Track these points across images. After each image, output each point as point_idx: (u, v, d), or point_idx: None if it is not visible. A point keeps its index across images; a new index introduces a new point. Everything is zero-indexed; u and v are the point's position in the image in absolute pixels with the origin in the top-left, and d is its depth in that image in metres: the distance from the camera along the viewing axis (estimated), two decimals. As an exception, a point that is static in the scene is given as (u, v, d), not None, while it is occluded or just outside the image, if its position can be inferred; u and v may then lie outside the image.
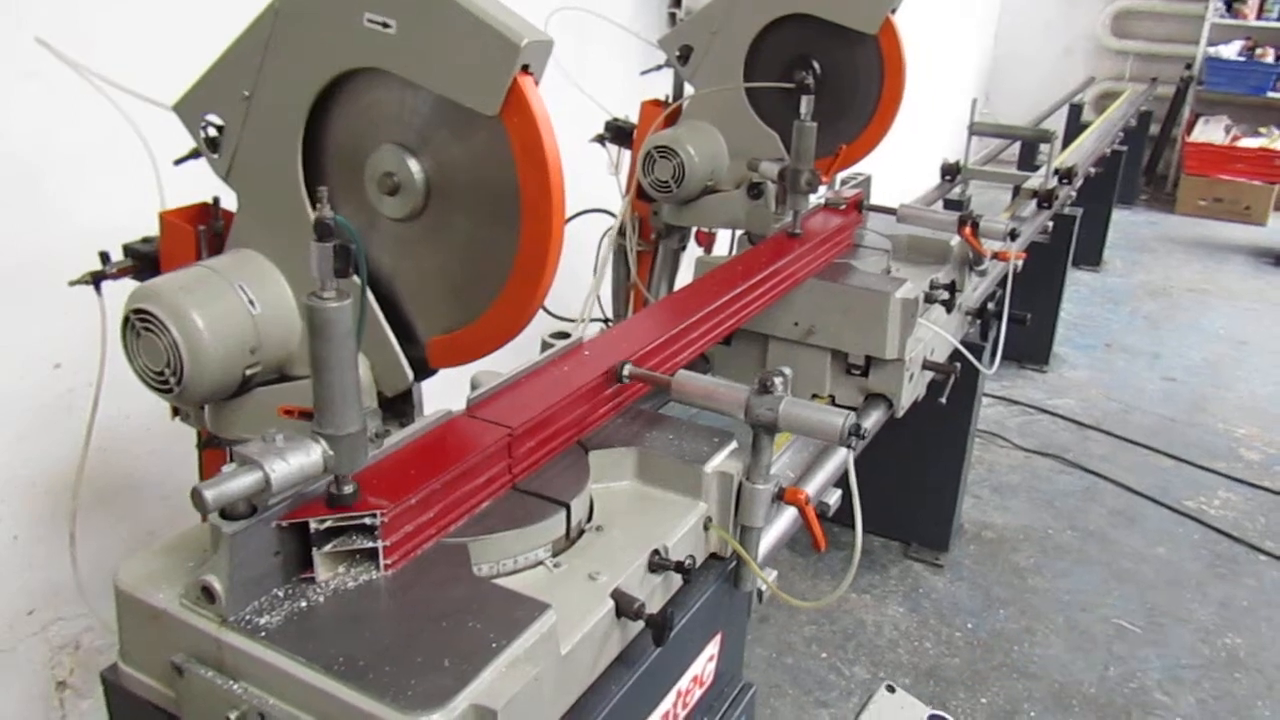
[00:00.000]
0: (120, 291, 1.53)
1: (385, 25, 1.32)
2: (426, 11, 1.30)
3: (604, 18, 2.96)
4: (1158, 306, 6.37)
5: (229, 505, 1.14)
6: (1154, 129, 8.72)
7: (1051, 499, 4.07)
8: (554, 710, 1.21)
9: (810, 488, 1.97)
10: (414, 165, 1.42)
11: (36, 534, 2.20)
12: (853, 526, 1.53)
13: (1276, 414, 4.92)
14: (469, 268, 1.45)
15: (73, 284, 1.63)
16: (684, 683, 1.50)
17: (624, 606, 1.29)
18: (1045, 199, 4.00)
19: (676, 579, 1.44)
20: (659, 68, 2.96)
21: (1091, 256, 6.84)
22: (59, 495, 2.19)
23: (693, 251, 2.92)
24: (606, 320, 2.95)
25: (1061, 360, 5.43)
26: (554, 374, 1.62)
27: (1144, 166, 8.95)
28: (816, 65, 2.68)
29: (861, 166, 2.86)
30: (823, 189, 2.60)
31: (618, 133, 2.93)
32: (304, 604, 1.19)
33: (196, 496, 1.09)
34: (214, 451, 1.75)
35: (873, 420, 2.31)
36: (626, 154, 2.91)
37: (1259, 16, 8.75)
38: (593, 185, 2.75)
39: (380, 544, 1.22)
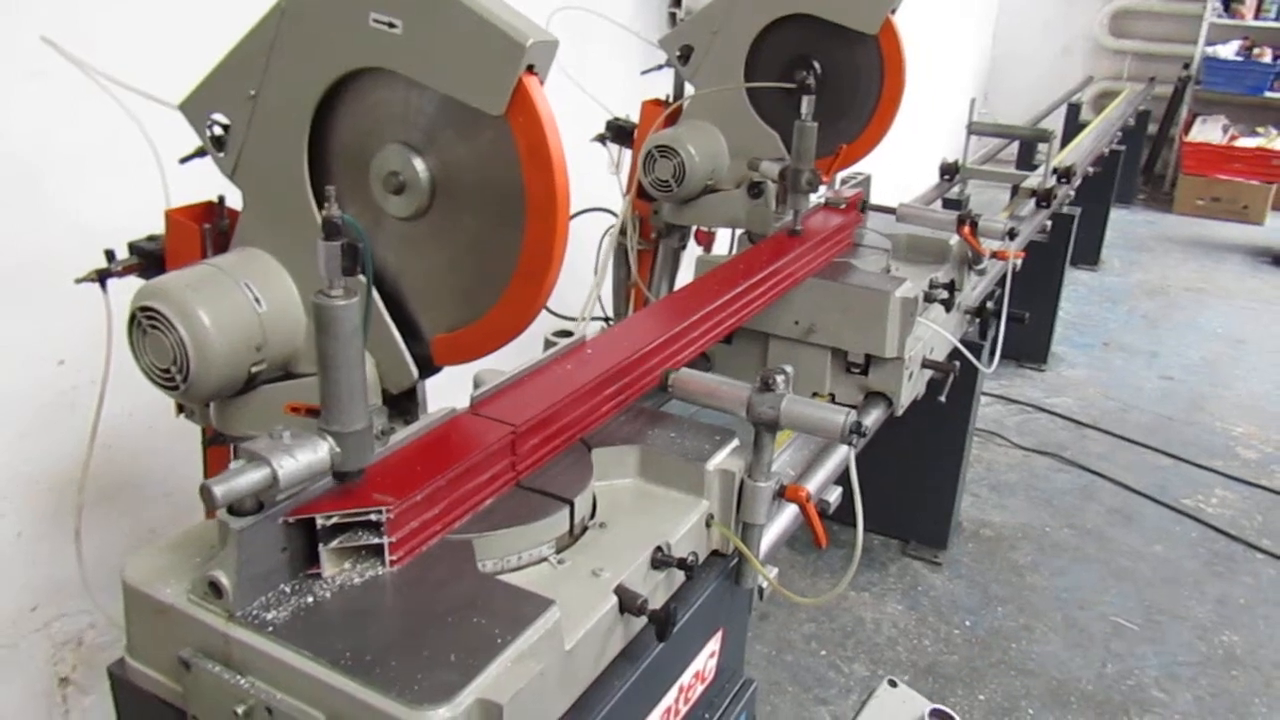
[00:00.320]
0: (125, 289, 1.54)
1: (391, 25, 1.33)
2: (432, 11, 1.31)
3: (605, 17, 2.97)
4: (1155, 305, 6.38)
5: (237, 501, 1.15)
6: (1152, 128, 8.74)
7: (1050, 497, 4.09)
8: (558, 705, 1.22)
9: (811, 485, 1.99)
10: (419, 164, 1.43)
11: (39, 531, 2.21)
12: (852, 524, 1.54)
13: (1274, 412, 4.93)
14: (473, 266, 1.46)
15: (79, 281, 1.63)
16: (686, 678, 1.51)
17: (627, 602, 1.30)
18: (1044, 198, 4.01)
19: (679, 575, 1.45)
20: (660, 67, 2.97)
21: (1090, 256, 6.86)
22: (62, 492, 2.20)
23: (693, 250, 2.93)
24: (607, 319, 2.96)
25: (1060, 359, 5.44)
26: (557, 372, 1.63)
27: (1142, 166, 8.97)
28: (817, 65, 2.69)
29: (861, 166, 2.87)
30: (823, 188, 2.61)
31: (618, 132, 2.94)
32: (310, 599, 1.20)
33: (205, 492, 1.10)
34: (218, 449, 1.76)
35: (872, 418, 2.33)
36: (627, 153, 2.91)
37: (1257, 16, 8.77)
38: (593, 184, 2.76)
39: (386, 540, 1.23)
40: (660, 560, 1.40)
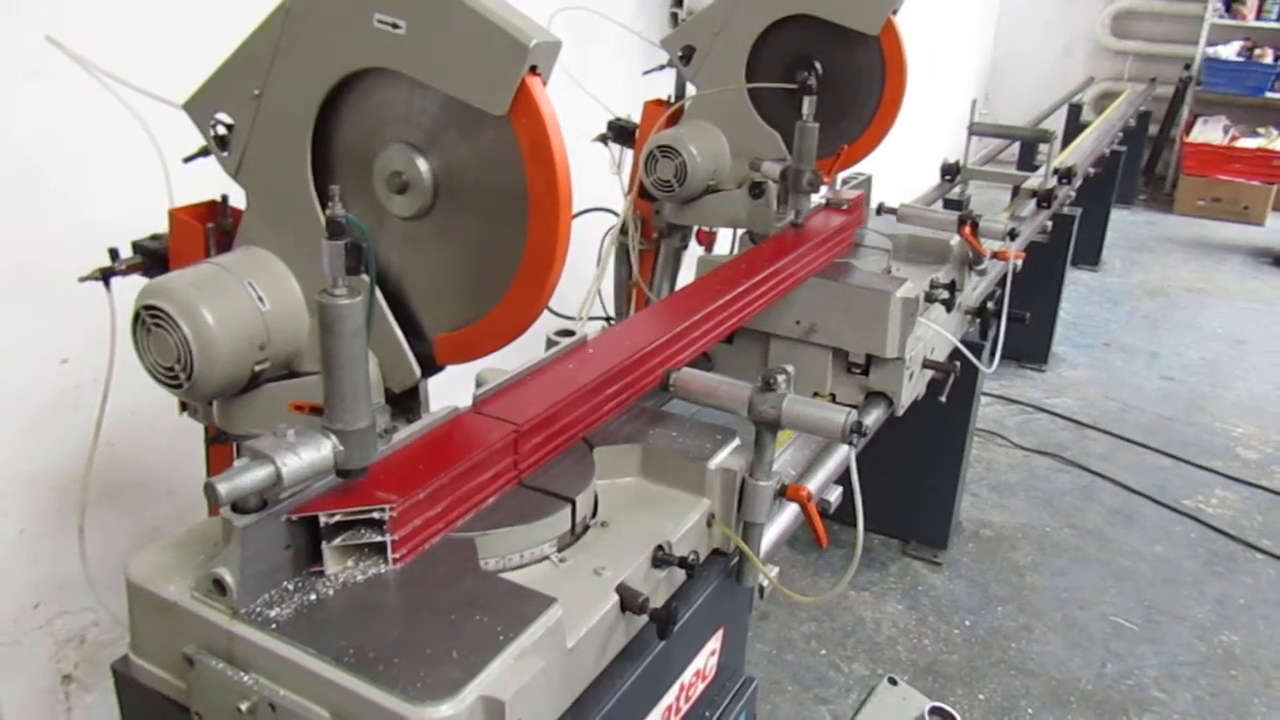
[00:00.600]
0: (129, 288, 1.54)
1: (395, 26, 1.33)
2: (436, 12, 1.31)
3: (606, 18, 2.97)
4: (1156, 306, 6.39)
5: (240, 499, 1.15)
6: (1153, 129, 8.74)
7: (1050, 497, 4.09)
8: (560, 702, 1.22)
9: (812, 485, 1.99)
10: (422, 164, 1.44)
11: (42, 528, 2.21)
12: (852, 524, 1.55)
13: (1274, 413, 4.94)
14: (476, 266, 1.47)
15: (83, 280, 1.64)
16: (687, 677, 1.52)
17: (628, 601, 1.31)
18: (1044, 199, 4.02)
19: (680, 574, 1.46)
20: (661, 68, 2.97)
21: (1090, 256, 6.86)
22: (65, 490, 2.20)
23: (694, 251, 2.93)
24: (608, 319, 2.97)
25: (1060, 359, 5.45)
26: (559, 371, 1.63)
27: (1143, 167, 8.97)
28: (818, 66, 2.70)
29: (862, 166, 2.87)
30: (824, 188, 2.62)
31: (620, 132, 2.94)
32: (314, 597, 1.20)
33: (209, 490, 1.10)
34: (221, 447, 1.77)
35: (873, 418, 2.33)
36: (629, 153, 2.92)
37: (1258, 17, 8.77)
38: (595, 184, 2.76)
39: (389, 538, 1.24)
40: (661, 559, 1.40)
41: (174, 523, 2.40)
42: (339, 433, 1.20)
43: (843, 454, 2.08)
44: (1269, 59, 8.70)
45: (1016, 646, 3.22)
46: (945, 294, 2.49)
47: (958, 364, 2.54)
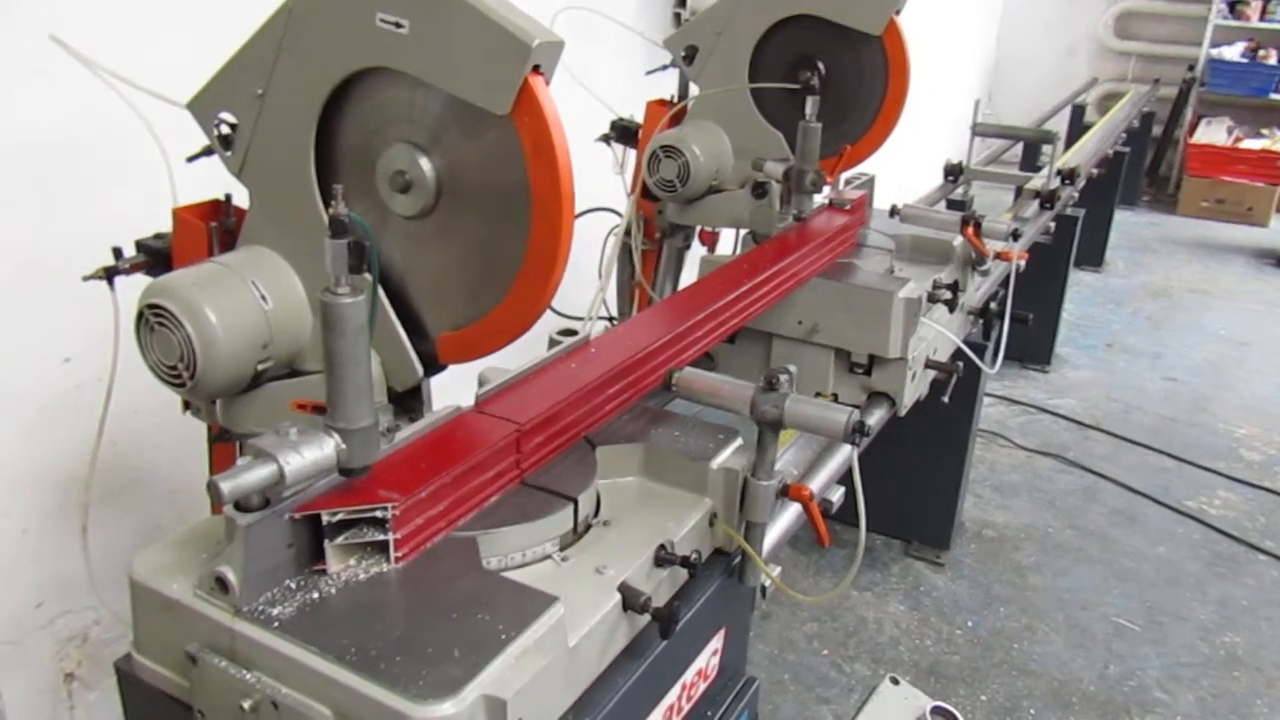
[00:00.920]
0: (133, 287, 1.54)
1: (398, 25, 1.34)
2: (438, 12, 1.32)
3: (609, 18, 2.98)
4: (1159, 307, 6.38)
5: (243, 497, 1.15)
6: (1156, 130, 8.72)
7: (1052, 498, 4.09)
8: (562, 701, 1.23)
9: (814, 485, 1.99)
10: (425, 164, 1.44)
11: (45, 527, 2.22)
12: (854, 524, 1.55)
13: (1277, 414, 4.93)
14: (479, 265, 1.47)
15: (86, 279, 1.64)
16: (689, 676, 1.52)
17: (630, 600, 1.31)
18: (1047, 200, 4.01)
19: (682, 573, 1.46)
20: (664, 68, 2.97)
21: (1093, 257, 6.86)
22: (67, 489, 2.21)
23: (697, 251, 2.93)
24: (611, 319, 2.97)
25: (1063, 360, 5.44)
26: (561, 371, 1.63)
27: (1146, 168, 8.95)
28: (821, 66, 2.70)
29: (865, 166, 2.87)
30: (826, 189, 2.62)
31: (623, 132, 2.95)
32: (316, 595, 1.20)
33: (213, 488, 1.11)
34: (224, 446, 1.77)
35: (875, 419, 2.33)
36: (632, 153, 2.92)
37: (1262, 18, 8.75)
38: (598, 184, 2.77)
39: (391, 537, 1.24)
40: (663, 558, 1.40)
41: (176, 521, 2.40)
42: (341, 431, 1.21)
43: (845, 454, 2.08)
44: (1273, 60, 8.69)
45: (1019, 647, 3.21)
46: (948, 294, 2.49)
47: (960, 364, 2.54)
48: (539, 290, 1.42)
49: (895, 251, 2.67)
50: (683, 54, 2.80)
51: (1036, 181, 4.13)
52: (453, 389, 1.60)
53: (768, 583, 1.63)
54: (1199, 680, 3.11)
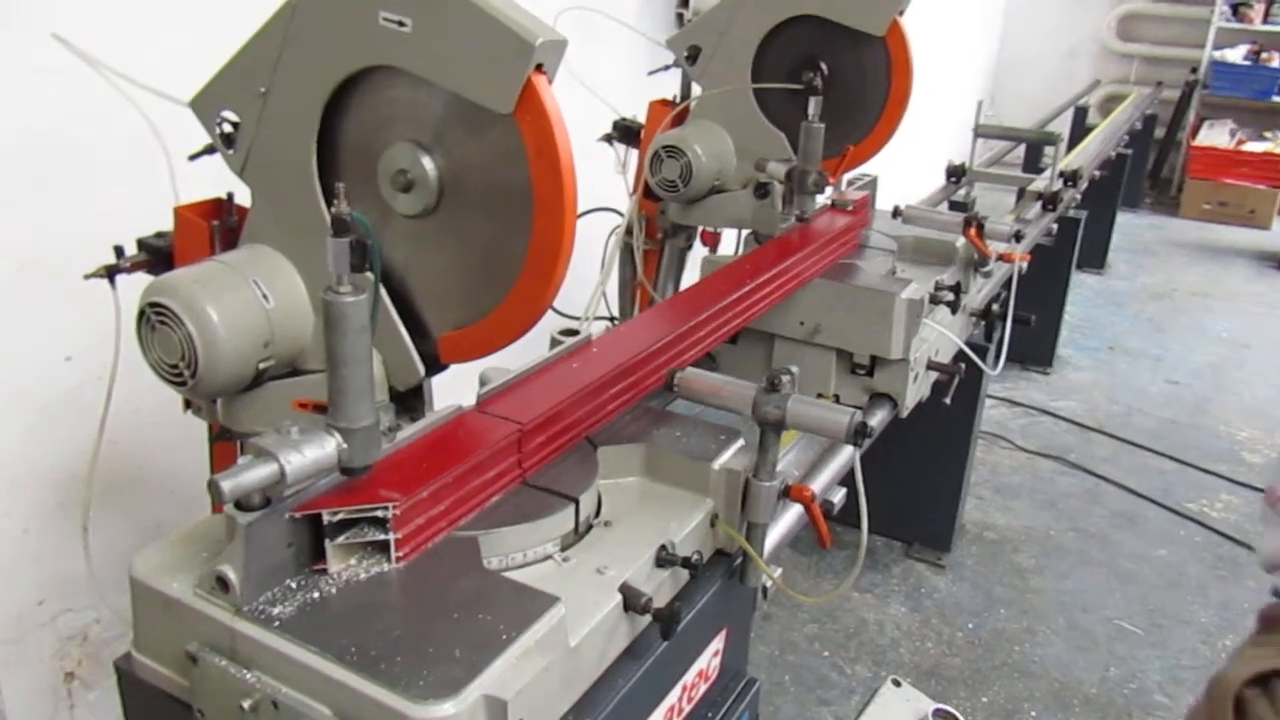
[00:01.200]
0: (134, 286, 1.54)
1: (401, 24, 1.33)
2: (442, 10, 1.31)
3: (612, 18, 2.98)
4: (1161, 309, 6.37)
5: (244, 496, 1.15)
6: (1159, 132, 8.71)
7: (1053, 500, 4.09)
8: (563, 701, 1.22)
9: (815, 486, 1.99)
10: (427, 162, 1.44)
11: (46, 526, 2.22)
12: (856, 526, 1.54)
13: (1278, 417, 4.92)
14: (481, 264, 1.47)
15: (87, 277, 1.64)
16: (689, 677, 1.51)
17: (631, 600, 1.30)
18: (1050, 201, 4.01)
19: (683, 574, 1.46)
20: (667, 68, 2.97)
21: (1095, 259, 6.85)
22: (69, 488, 2.21)
23: (699, 251, 2.93)
24: (612, 319, 2.96)
25: (1065, 362, 5.44)
26: (563, 371, 1.63)
27: (1149, 170, 8.94)
28: (824, 66, 2.70)
29: (868, 167, 2.87)
30: (829, 189, 2.62)
31: (625, 132, 2.95)
32: (316, 595, 1.20)
33: (213, 487, 1.10)
34: (225, 445, 1.77)
35: (877, 420, 2.32)
36: (634, 153, 2.92)
37: (1265, 21, 8.74)
38: (600, 184, 2.77)
39: (392, 536, 1.24)
40: (665, 559, 1.40)
41: (177, 520, 2.40)
42: (343, 431, 1.20)
43: (847, 455, 2.08)
44: (1276, 63, 8.67)
45: (1020, 649, 3.21)
46: (950, 296, 2.48)
47: (962, 366, 2.53)
48: (541, 290, 1.41)
49: (897, 252, 2.66)
50: (685, 54, 2.80)
51: (1039, 183, 4.12)
52: (454, 388, 1.60)
53: (769, 584, 1.62)
54: (1200, 683, 3.08)
